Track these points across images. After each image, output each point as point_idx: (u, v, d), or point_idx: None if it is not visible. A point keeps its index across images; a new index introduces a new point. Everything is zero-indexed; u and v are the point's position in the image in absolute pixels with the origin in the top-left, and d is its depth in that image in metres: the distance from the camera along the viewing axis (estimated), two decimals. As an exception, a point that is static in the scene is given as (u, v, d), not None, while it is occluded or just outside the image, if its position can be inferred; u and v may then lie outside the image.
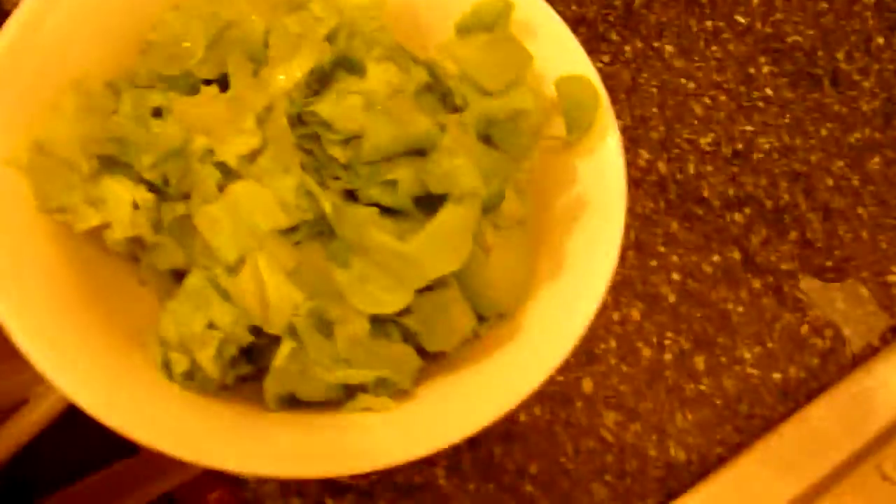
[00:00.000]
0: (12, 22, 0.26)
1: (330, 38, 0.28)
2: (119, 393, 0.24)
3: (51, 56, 0.27)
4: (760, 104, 0.40)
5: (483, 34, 0.29)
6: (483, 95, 0.28)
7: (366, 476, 0.30)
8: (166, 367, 0.25)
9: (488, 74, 0.28)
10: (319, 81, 0.27)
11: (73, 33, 0.27)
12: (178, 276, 0.27)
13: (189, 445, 0.24)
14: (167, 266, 0.27)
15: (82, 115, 0.26)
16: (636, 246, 0.35)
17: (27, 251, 0.25)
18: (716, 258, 0.36)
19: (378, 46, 0.28)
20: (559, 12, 0.39)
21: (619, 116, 0.38)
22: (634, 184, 0.37)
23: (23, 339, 0.23)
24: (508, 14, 0.30)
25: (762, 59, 0.41)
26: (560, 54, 0.29)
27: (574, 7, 0.40)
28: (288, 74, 0.26)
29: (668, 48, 0.40)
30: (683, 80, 0.40)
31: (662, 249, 0.36)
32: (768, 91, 0.40)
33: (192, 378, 0.25)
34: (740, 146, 0.39)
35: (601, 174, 0.28)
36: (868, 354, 0.36)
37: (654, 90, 0.39)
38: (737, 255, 0.37)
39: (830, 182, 0.39)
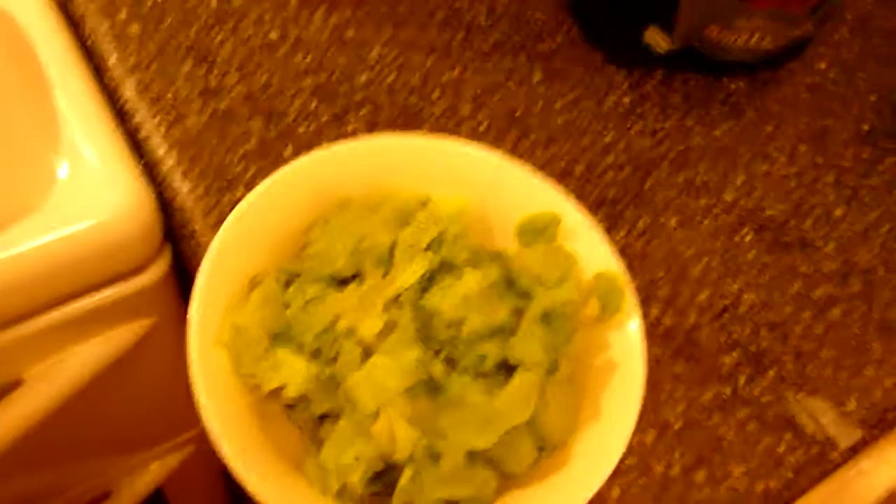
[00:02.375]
0: (215, 243, 0.37)
1: (432, 244, 0.39)
2: (290, 496, 0.35)
3: (241, 262, 0.38)
4: (744, 267, 0.51)
5: (542, 244, 0.40)
6: (542, 286, 0.39)
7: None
8: (323, 485, 0.36)
9: (546, 273, 0.39)
10: (428, 279, 0.38)
11: (255, 243, 0.39)
12: (320, 419, 0.38)
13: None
14: (318, 413, 0.37)
15: (264, 304, 0.37)
16: (650, 384, 0.45)
17: (231, 404, 0.36)
18: (710, 394, 0.47)
19: (465, 250, 0.39)
20: (587, 193, 0.51)
21: (633, 278, 0.49)
22: (647, 334, 0.47)
23: (231, 458, 0.34)
24: (557, 223, 0.41)
25: (745, 230, 0.53)
26: (597, 253, 0.41)
27: (598, 191, 0.52)
28: (408, 276, 0.37)
29: (671, 222, 0.52)
30: (683, 248, 0.51)
31: (669, 387, 0.47)
32: (750, 256, 0.52)
33: (342, 495, 0.36)
34: (728, 301, 0.50)
35: (627, 343, 0.39)
36: (836, 465, 0.46)
37: (661, 256, 0.51)
38: (727, 390, 0.47)
39: (799, 330, 0.50)
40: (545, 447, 0.38)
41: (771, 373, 0.48)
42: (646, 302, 0.48)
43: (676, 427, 0.46)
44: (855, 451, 0.47)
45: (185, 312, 0.55)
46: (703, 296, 0.50)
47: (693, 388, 0.47)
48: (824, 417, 0.48)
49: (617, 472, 0.42)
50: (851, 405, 0.48)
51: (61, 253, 0.44)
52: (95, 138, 0.46)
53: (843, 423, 0.48)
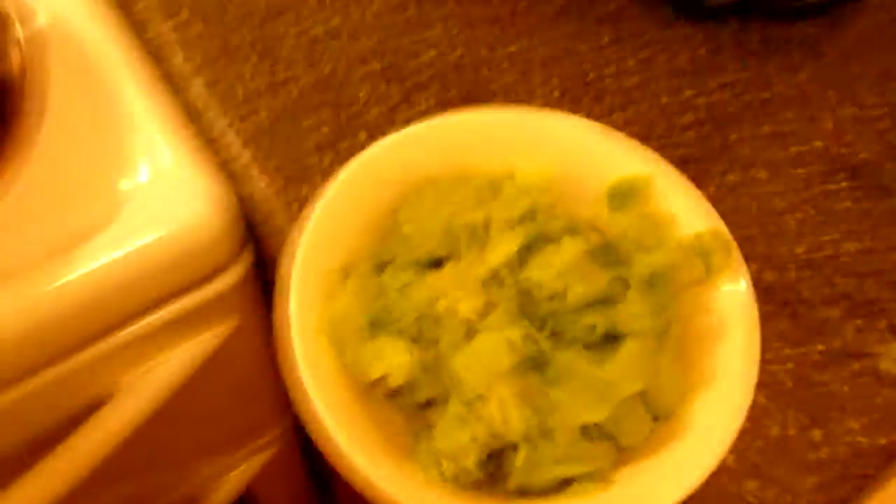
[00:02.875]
0: (306, 234, 0.37)
1: (525, 216, 0.38)
2: (405, 484, 0.34)
3: (332, 250, 0.37)
4: (843, 215, 0.49)
5: (636, 207, 0.39)
6: (641, 251, 0.38)
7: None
8: (438, 471, 0.35)
9: (644, 236, 0.38)
10: (526, 251, 0.37)
11: (344, 231, 0.38)
12: (427, 404, 0.37)
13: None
14: (423, 398, 0.37)
15: (359, 293, 0.37)
16: (757, 344, 0.44)
17: (338, 394, 0.35)
18: (820, 347, 0.45)
19: (560, 219, 0.38)
20: (671, 153, 0.49)
21: (728, 236, 0.47)
22: (748, 291, 0.46)
23: (348, 450, 0.33)
24: (649, 184, 0.39)
25: (839, 176, 0.50)
26: (694, 212, 0.39)
27: (682, 149, 0.50)
28: (505, 250, 0.36)
29: (762, 174, 0.50)
30: (777, 200, 0.49)
31: (777, 344, 0.45)
32: (848, 203, 0.49)
33: (458, 478, 0.35)
34: (830, 252, 0.48)
35: (736, 303, 0.38)
36: (956, 417, 0.44)
37: (755, 211, 0.48)
38: (837, 343, 0.45)
39: (909, 276, 0.47)
40: (659, 416, 0.37)
41: (881, 323, 0.46)
42: (744, 258, 0.46)
43: (788, 385, 0.44)
44: (979, 398, 0.45)
45: (267, 310, 0.55)
46: (801, 248, 0.48)
47: (801, 345, 0.45)
48: (943, 365, 0.45)
49: (731, 437, 0.41)
50: (971, 350, 0.46)
51: (146, 261, 0.43)
52: (169, 141, 0.46)
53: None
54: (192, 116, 0.49)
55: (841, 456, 0.43)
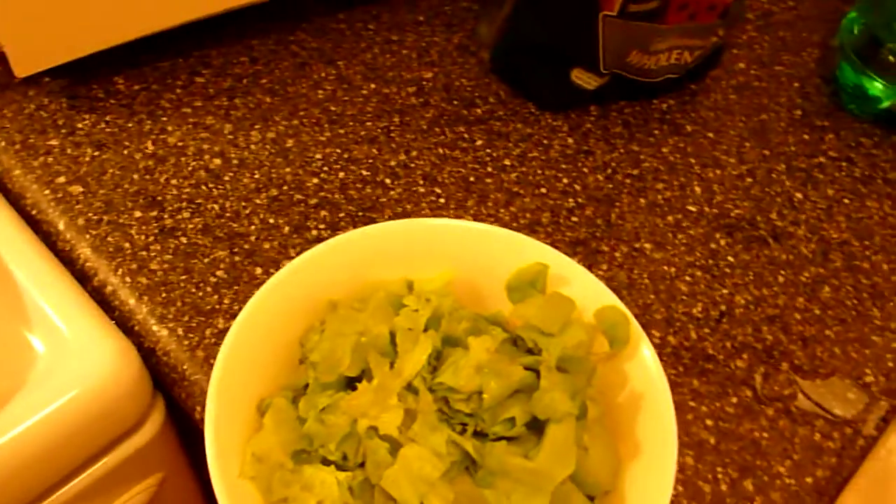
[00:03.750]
0: (214, 376, 0.36)
1: (429, 323, 0.39)
2: None
3: (245, 388, 0.37)
4: (727, 270, 0.52)
5: (537, 295, 0.40)
6: (546, 337, 0.39)
7: None
8: None
9: (548, 322, 0.39)
10: (436, 359, 0.37)
11: (254, 367, 0.38)
12: (364, 526, 0.37)
13: None
14: (360, 521, 0.36)
15: (278, 427, 0.36)
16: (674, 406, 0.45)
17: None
18: (734, 400, 0.46)
19: (463, 320, 0.39)
20: (561, 239, 0.51)
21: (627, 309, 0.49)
22: (656, 358, 0.47)
23: None
24: (546, 272, 0.41)
25: (718, 235, 0.53)
26: (590, 291, 0.40)
27: (570, 234, 0.52)
28: (415, 361, 0.37)
29: (647, 245, 0.52)
30: (665, 267, 0.51)
31: (693, 404, 0.46)
32: (730, 258, 0.52)
33: None
34: (723, 307, 0.50)
35: (645, 370, 0.39)
36: (871, 442, 0.46)
37: (647, 281, 0.51)
38: (748, 392, 0.47)
39: (798, 317, 0.50)
40: (595, 495, 0.37)
41: (784, 365, 0.48)
42: (645, 328, 0.48)
43: (712, 442, 0.45)
44: (886, 421, 0.47)
45: (192, 460, 0.53)
46: (697, 308, 0.50)
47: (716, 400, 0.46)
48: (848, 395, 0.48)
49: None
50: (870, 377, 0.48)
51: (55, 428, 0.42)
52: (63, 307, 0.45)
53: (867, 396, 0.48)
54: (85, 276, 0.49)
55: (776, 502, 0.44)
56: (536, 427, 0.36)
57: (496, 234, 0.42)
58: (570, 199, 0.54)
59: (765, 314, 0.50)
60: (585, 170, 0.56)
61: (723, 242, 0.53)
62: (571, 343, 0.38)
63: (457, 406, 0.36)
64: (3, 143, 0.53)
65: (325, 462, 0.36)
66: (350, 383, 0.38)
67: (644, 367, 0.39)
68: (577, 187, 0.55)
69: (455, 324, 0.38)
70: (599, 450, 0.37)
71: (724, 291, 0.51)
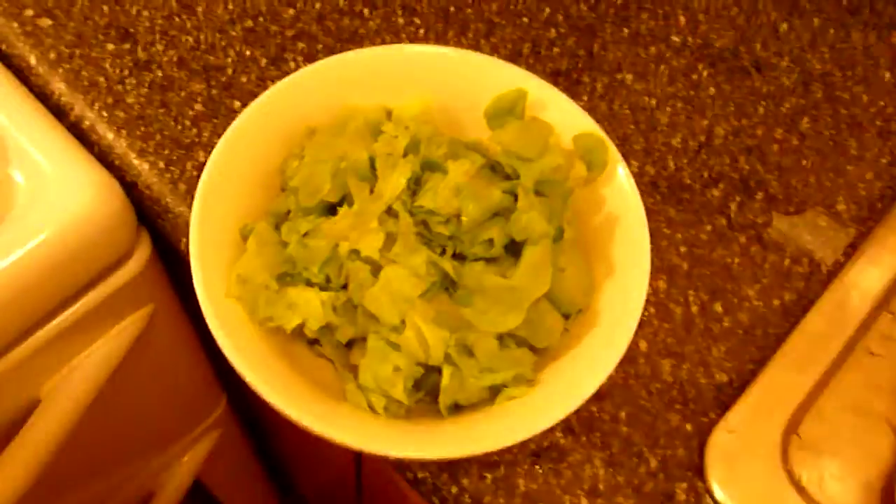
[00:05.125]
0: (197, 202, 0.37)
1: (408, 149, 0.39)
2: (336, 417, 0.35)
3: (227, 215, 0.38)
4: (708, 101, 0.52)
5: (515, 121, 0.40)
6: (525, 162, 0.39)
7: (509, 450, 0.40)
8: (370, 405, 0.36)
9: (526, 147, 0.39)
10: (415, 183, 0.38)
11: (235, 194, 0.38)
12: (348, 346, 0.38)
13: (392, 445, 0.34)
14: (344, 339, 0.37)
15: (261, 250, 0.37)
16: (650, 234, 0.46)
17: (259, 351, 0.35)
18: (708, 227, 0.48)
19: (442, 147, 0.39)
20: (542, 70, 0.50)
21: (607, 139, 0.49)
22: (633, 187, 0.48)
23: (266, 392, 0.34)
24: (524, 98, 0.41)
25: (700, 66, 0.53)
26: (569, 117, 0.40)
27: (550, 64, 0.51)
28: (396, 184, 0.37)
29: (628, 76, 0.52)
30: (646, 98, 0.51)
31: (667, 231, 0.47)
32: (711, 90, 0.52)
33: (389, 409, 0.36)
34: (703, 138, 0.50)
35: (621, 192, 0.39)
36: (838, 268, 0.48)
37: (627, 112, 0.51)
38: (722, 221, 0.48)
39: (776, 147, 0.50)
40: (570, 313, 0.38)
41: (759, 195, 0.49)
42: (625, 157, 0.48)
43: (685, 268, 0.46)
44: (854, 247, 0.48)
45: (180, 292, 0.55)
46: (676, 139, 0.50)
47: (691, 228, 0.48)
48: (819, 222, 0.49)
49: (639, 325, 0.43)
50: (841, 206, 0.49)
51: (42, 261, 0.43)
52: (41, 141, 0.45)
53: (837, 226, 0.49)
54: (61, 111, 0.48)
55: (743, 322, 0.45)
56: (514, 250, 0.37)
57: (475, 60, 0.42)
58: (552, 30, 0.53)
59: (743, 145, 0.50)
60: (568, 0, 0.54)
61: (705, 73, 0.53)
62: (549, 167, 0.38)
63: (436, 229, 0.37)
64: (-36, -26, 0.51)
65: (309, 284, 0.37)
66: (331, 208, 0.38)
67: (620, 190, 0.39)
68: (560, 17, 0.53)
69: (434, 149, 0.38)
70: (574, 270, 0.38)
71: (704, 122, 0.51)
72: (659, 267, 0.46)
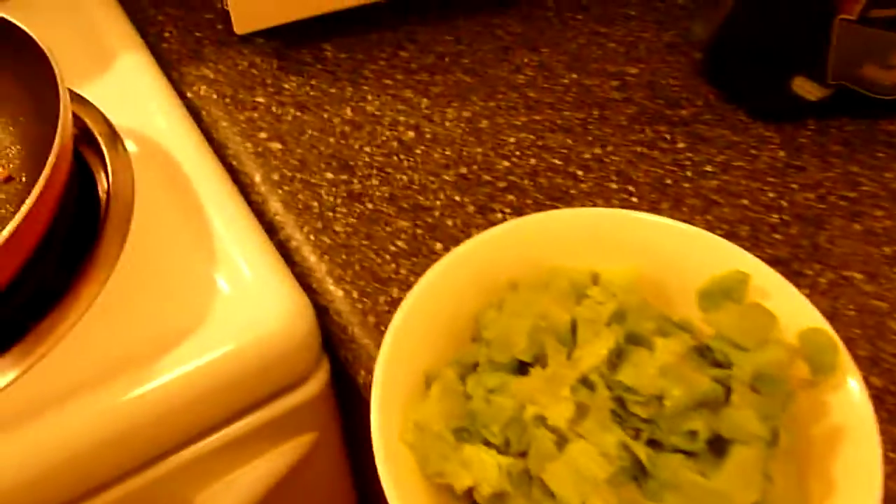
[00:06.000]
0: (388, 339, 0.36)
1: (614, 318, 0.36)
2: None
3: (414, 358, 0.36)
4: (950, 315, 0.46)
5: (726, 304, 0.37)
6: (741, 352, 0.35)
7: None
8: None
9: (743, 335, 0.35)
10: (617, 356, 0.35)
11: (426, 338, 0.37)
12: (517, 517, 0.35)
13: None
14: (514, 512, 0.34)
15: (443, 398, 0.35)
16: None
17: (418, 498, 0.33)
18: (943, 459, 0.41)
19: (650, 320, 0.36)
20: (760, 256, 0.47)
21: (827, 340, 0.44)
22: (854, 398, 0.43)
23: None
24: (746, 281, 0.38)
25: (944, 273, 0.48)
26: (794, 310, 0.37)
27: (769, 251, 0.48)
28: (596, 353, 0.34)
29: (857, 275, 0.47)
30: (877, 302, 0.46)
31: (892, 455, 0.41)
32: (955, 302, 0.47)
33: None
34: (940, 355, 0.45)
35: (849, 404, 0.35)
36: None
37: (853, 314, 0.46)
38: (961, 454, 0.41)
39: None
40: (775, 533, 0.33)
41: None
42: (847, 363, 0.43)
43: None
44: None
45: (346, 424, 0.53)
46: (909, 351, 0.45)
47: (921, 451, 0.41)
48: None
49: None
50: None
51: (226, 370, 0.43)
52: (250, 254, 0.46)
53: None
54: (273, 229, 0.50)
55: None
56: (717, 448, 0.33)
57: (693, 235, 0.39)
58: (774, 215, 0.50)
59: None
60: (795, 186, 0.51)
61: (948, 284, 0.47)
62: (770, 360, 0.34)
63: (633, 409, 0.34)
64: (214, 96, 0.56)
65: (487, 444, 0.34)
66: (522, 368, 0.36)
67: (850, 401, 0.35)
68: (784, 203, 0.50)
69: (642, 322, 0.36)
70: (786, 483, 0.33)
71: (944, 337, 0.45)
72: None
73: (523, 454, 0.34)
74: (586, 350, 0.35)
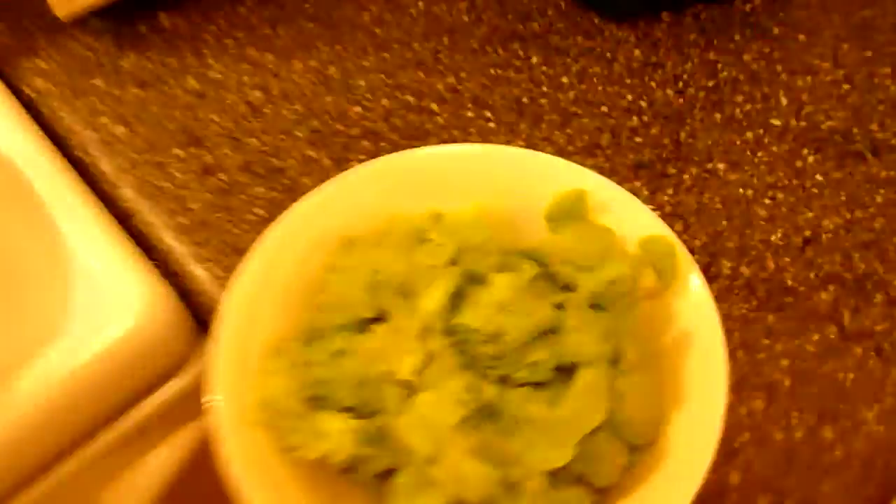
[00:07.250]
0: (226, 315, 0.35)
1: (453, 260, 0.35)
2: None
3: (257, 330, 0.35)
4: (815, 191, 0.46)
5: (571, 225, 0.36)
6: (584, 271, 0.35)
7: None
8: (400, 549, 0.32)
9: (584, 254, 0.35)
10: (457, 297, 0.34)
11: (266, 308, 0.36)
12: (384, 475, 0.34)
13: None
14: (376, 471, 0.34)
15: (288, 370, 0.34)
16: (742, 345, 0.41)
17: (276, 478, 0.32)
18: (815, 337, 0.41)
19: (491, 255, 0.35)
20: (621, 162, 0.46)
21: (694, 236, 0.44)
22: (726, 290, 0.42)
23: None
24: (583, 198, 0.37)
25: (805, 151, 0.47)
26: (634, 219, 0.36)
27: (631, 156, 0.47)
28: (433, 300, 0.34)
29: (721, 166, 0.47)
30: (741, 190, 0.46)
31: (766, 342, 0.41)
32: (818, 177, 0.46)
33: (423, 553, 0.32)
34: (808, 233, 0.44)
35: (694, 306, 0.34)
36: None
37: (719, 206, 0.45)
38: (833, 329, 0.41)
39: (897, 242, 0.44)
40: (635, 447, 0.33)
41: (878, 297, 0.42)
42: (716, 257, 0.43)
43: (787, 385, 0.40)
44: None
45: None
46: (776, 235, 0.44)
47: (794, 338, 0.41)
48: (955, 331, 0.41)
49: (732, 452, 0.37)
50: (983, 309, 0.42)
51: (93, 376, 0.42)
52: (101, 252, 0.45)
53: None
54: (125, 216, 0.48)
55: (860, 452, 0.39)
56: (567, 372, 0.33)
57: (528, 158, 0.38)
58: (634, 118, 0.49)
59: (858, 240, 0.44)
60: (653, 84, 0.50)
61: (811, 160, 0.47)
62: (608, 277, 0.34)
63: (478, 349, 0.33)
64: (52, 86, 0.53)
65: (339, 409, 0.34)
66: (366, 328, 0.35)
67: (693, 302, 0.34)
68: (643, 104, 0.49)
69: (479, 258, 0.35)
70: (638, 397, 0.33)
71: (810, 215, 0.45)
72: (756, 384, 0.40)
73: (378, 413, 0.34)
74: (425, 297, 0.34)
